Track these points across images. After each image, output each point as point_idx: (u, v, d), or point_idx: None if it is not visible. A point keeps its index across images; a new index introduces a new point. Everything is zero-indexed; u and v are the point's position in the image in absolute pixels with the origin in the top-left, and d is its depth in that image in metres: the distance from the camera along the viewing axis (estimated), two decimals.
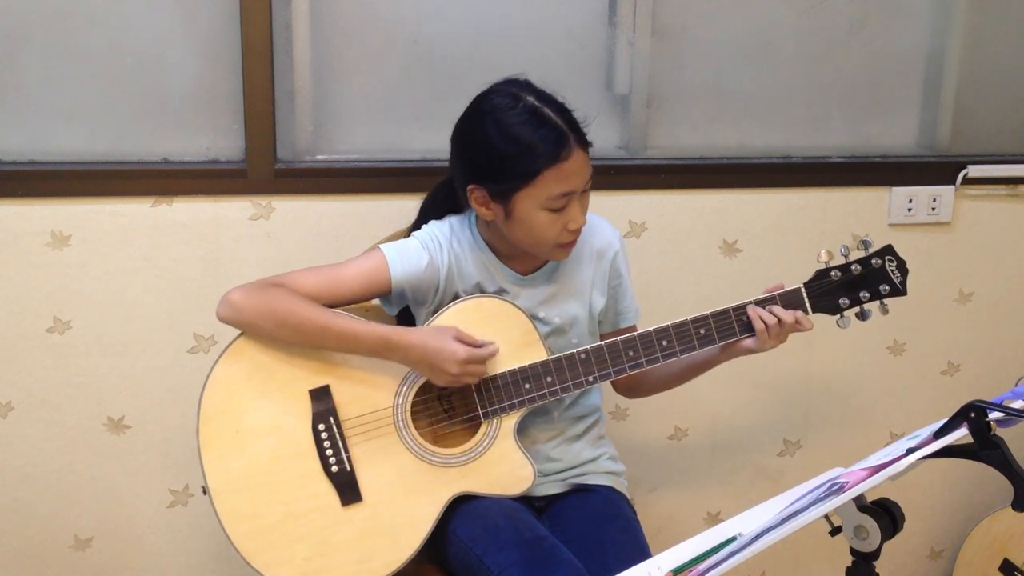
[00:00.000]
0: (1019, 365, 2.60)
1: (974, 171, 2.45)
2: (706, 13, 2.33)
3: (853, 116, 2.45)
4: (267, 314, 1.70)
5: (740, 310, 1.78)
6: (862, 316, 1.82)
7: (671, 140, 2.38)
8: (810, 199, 2.40)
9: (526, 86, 1.73)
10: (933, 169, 2.45)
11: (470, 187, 1.74)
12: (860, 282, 1.81)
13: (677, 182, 2.33)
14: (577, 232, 1.75)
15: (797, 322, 1.78)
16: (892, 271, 1.81)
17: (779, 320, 1.76)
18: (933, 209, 2.45)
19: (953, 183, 2.45)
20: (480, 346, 1.72)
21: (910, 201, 2.44)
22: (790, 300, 1.79)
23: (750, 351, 1.80)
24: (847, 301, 1.81)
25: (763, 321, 1.76)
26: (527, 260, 1.83)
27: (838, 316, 1.82)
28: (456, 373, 1.70)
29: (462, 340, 1.71)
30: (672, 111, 2.37)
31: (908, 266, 1.82)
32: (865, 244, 1.80)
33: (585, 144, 1.71)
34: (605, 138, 2.32)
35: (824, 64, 2.42)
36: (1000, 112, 2.54)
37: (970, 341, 2.57)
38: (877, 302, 1.82)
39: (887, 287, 1.81)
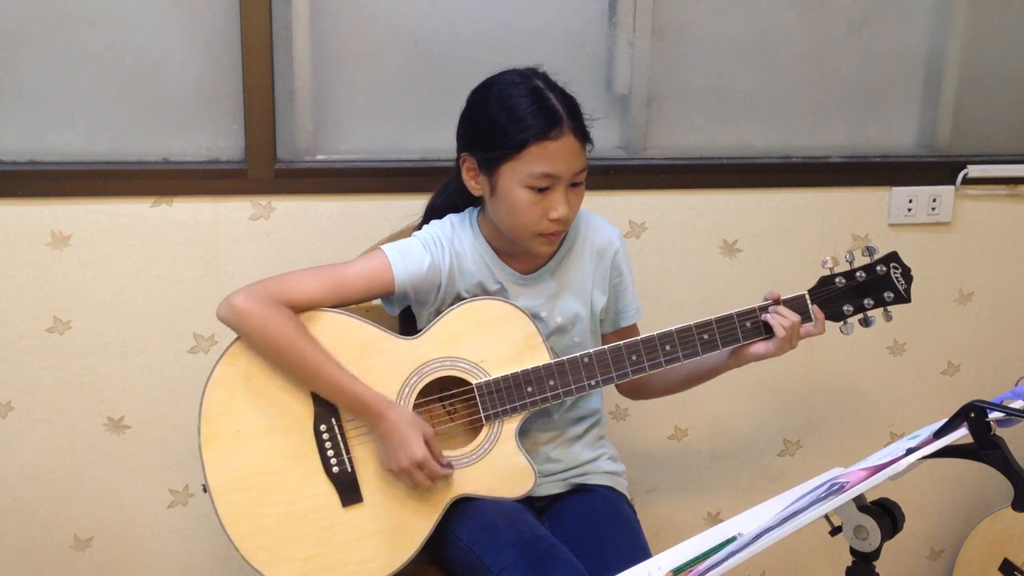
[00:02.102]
0: (1019, 365, 2.60)
1: (974, 171, 2.45)
2: (706, 13, 2.33)
3: (853, 116, 2.45)
4: (264, 335, 1.70)
5: (744, 316, 1.78)
6: (866, 323, 1.82)
7: (671, 140, 2.38)
8: (810, 199, 2.40)
9: (540, 74, 1.75)
10: (933, 169, 2.45)
11: (462, 156, 1.76)
12: (864, 289, 1.80)
13: (677, 182, 2.33)
14: (559, 223, 1.73)
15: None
16: (897, 278, 1.80)
17: (791, 321, 1.76)
18: (933, 209, 2.45)
19: (953, 183, 2.45)
20: (442, 462, 1.72)
21: (910, 201, 2.44)
22: (794, 307, 1.79)
23: (760, 357, 1.79)
24: (851, 308, 1.80)
25: (781, 324, 1.75)
26: (528, 259, 1.82)
27: (841, 323, 1.82)
28: (403, 467, 1.69)
29: (430, 444, 1.70)
30: (672, 111, 2.37)
31: (912, 273, 1.81)
32: (870, 251, 1.79)
33: (581, 134, 1.71)
34: (605, 138, 2.32)
35: (824, 64, 2.42)
36: (1000, 112, 2.54)
37: (970, 341, 2.57)
38: (881, 309, 1.81)
39: (891, 294, 1.80)
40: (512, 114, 1.69)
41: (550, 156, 1.68)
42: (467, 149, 1.75)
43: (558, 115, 1.68)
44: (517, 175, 1.69)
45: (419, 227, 1.88)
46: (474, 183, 1.76)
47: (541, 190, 1.69)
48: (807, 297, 1.80)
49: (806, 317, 1.79)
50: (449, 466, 1.73)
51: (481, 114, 1.74)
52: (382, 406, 1.71)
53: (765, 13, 2.36)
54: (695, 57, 2.35)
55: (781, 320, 1.76)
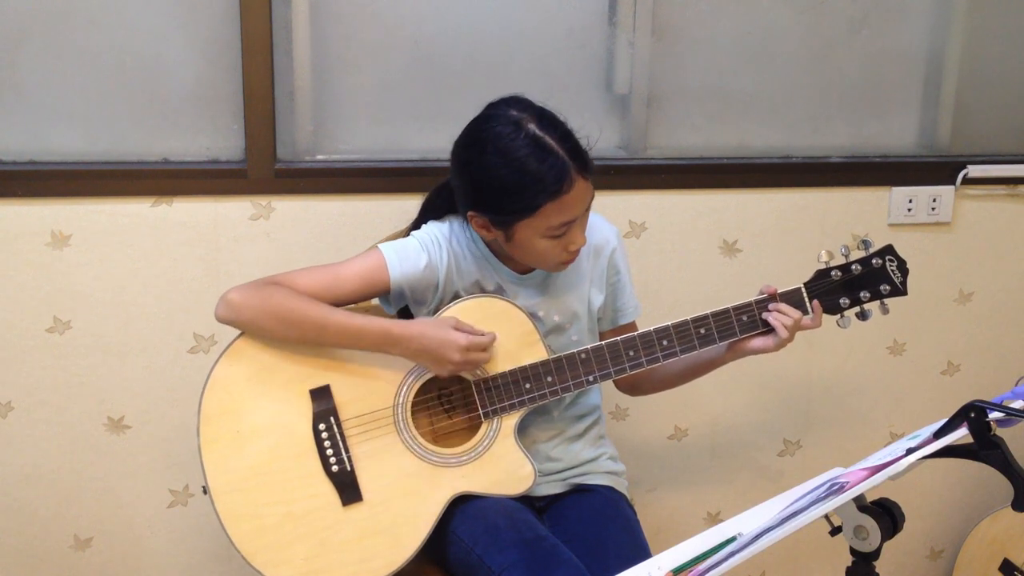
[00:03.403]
0: (1019, 365, 2.60)
1: (974, 171, 2.45)
2: (706, 13, 2.33)
3: (853, 116, 2.45)
4: (265, 312, 1.70)
5: (741, 310, 1.78)
6: (862, 316, 1.83)
7: (671, 140, 2.38)
8: (810, 199, 2.40)
9: (527, 108, 1.70)
10: (933, 169, 2.46)
11: (470, 213, 1.73)
12: (860, 282, 1.81)
13: (677, 182, 2.33)
14: (578, 251, 1.75)
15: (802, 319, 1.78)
16: (892, 271, 1.81)
17: (792, 319, 1.76)
18: (933, 209, 2.45)
19: (953, 183, 2.45)
20: (480, 334, 1.73)
21: (910, 201, 2.44)
22: (790, 300, 1.79)
23: (757, 351, 1.80)
24: (847, 301, 1.81)
25: (783, 323, 1.75)
26: None
27: (838, 316, 1.82)
28: (458, 361, 1.70)
29: (460, 329, 1.72)
30: (672, 111, 2.37)
31: (908, 266, 1.82)
32: (865, 244, 1.80)
33: (587, 170, 1.69)
34: (605, 138, 2.32)
35: (824, 64, 2.42)
36: (1000, 112, 2.54)
37: (970, 341, 2.57)
38: (877, 302, 1.82)
39: (887, 287, 1.81)
40: (519, 178, 1.65)
41: (566, 208, 1.67)
42: (473, 208, 1.73)
43: (565, 168, 1.65)
44: (535, 230, 1.69)
45: (415, 226, 1.88)
46: (486, 232, 1.75)
47: (560, 235, 1.70)
48: (803, 290, 1.80)
49: (803, 311, 1.79)
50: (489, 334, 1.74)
51: (483, 176, 1.69)
52: (400, 328, 1.71)
53: (765, 13, 2.36)
54: (695, 57, 2.35)
55: (783, 319, 1.76)
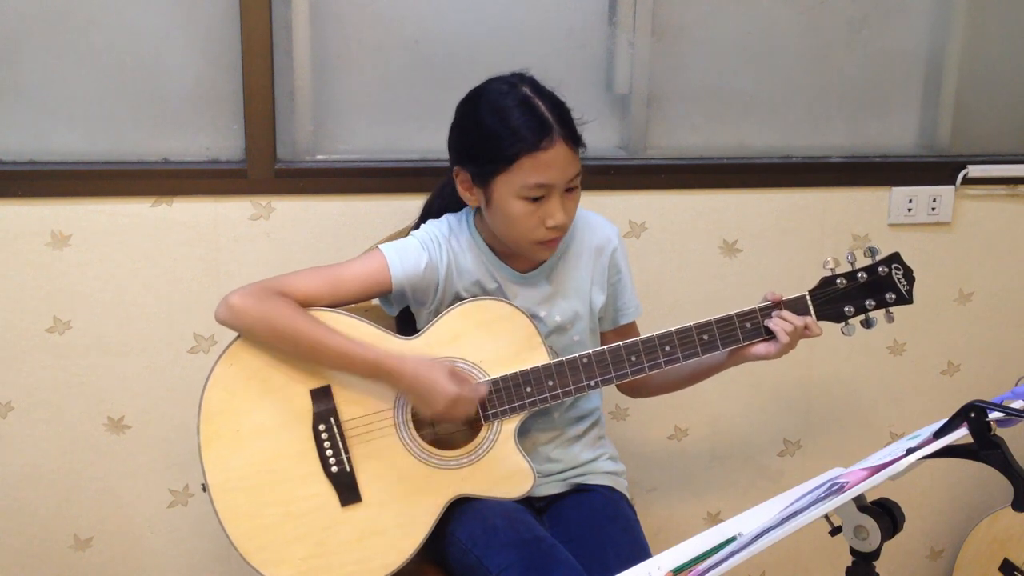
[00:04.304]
0: (1019, 365, 2.60)
1: (974, 171, 2.45)
2: (706, 13, 2.33)
3: (853, 116, 2.45)
4: (264, 324, 1.70)
5: (744, 317, 1.78)
6: (867, 324, 1.81)
7: (671, 140, 2.38)
8: (810, 199, 2.40)
9: (527, 79, 1.75)
10: (933, 169, 2.45)
11: (456, 169, 1.76)
12: (866, 290, 1.80)
13: (677, 182, 2.33)
14: (556, 230, 1.73)
15: (807, 327, 1.77)
16: (898, 279, 1.80)
17: (794, 326, 1.76)
18: (933, 209, 2.45)
19: (953, 183, 2.45)
20: (476, 384, 1.72)
21: (910, 201, 2.44)
22: (795, 308, 1.79)
23: (759, 357, 1.79)
24: (852, 309, 1.80)
25: (784, 329, 1.75)
26: (526, 259, 1.82)
27: (843, 324, 1.81)
28: (442, 410, 1.69)
29: (456, 375, 1.70)
30: (672, 111, 2.37)
31: (914, 274, 1.81)
32: (872, 252, 1.78)
33: (573, 141, 1.70)
34: (605, 138, 2.32)
35: (824, 64, 2.42)
36: (1000, 112, 2.54)
37: (970, 341, 2.57)
38: (882, 310, 1.81)
39: (893, 295, 1.80)
40: (502, 127, 1.68)
41: (542, 167, 1.67)
42: (459, 163, 1.75)
43: (547, 125, 1.67)
44: (510, 187, 1.69)
45: (416, 227, 1.88)
46: (469, 195, 1.76)
47: (536, 199, 1.69)
48: (808, 298, 1.80)
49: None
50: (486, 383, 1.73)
51: (471, 128, 1.73)
52: (394, 363, 1.69)
53: (765, 13, 2.36)
54: (695, 57, 2.35)
55: (784, 326, 1.75)
